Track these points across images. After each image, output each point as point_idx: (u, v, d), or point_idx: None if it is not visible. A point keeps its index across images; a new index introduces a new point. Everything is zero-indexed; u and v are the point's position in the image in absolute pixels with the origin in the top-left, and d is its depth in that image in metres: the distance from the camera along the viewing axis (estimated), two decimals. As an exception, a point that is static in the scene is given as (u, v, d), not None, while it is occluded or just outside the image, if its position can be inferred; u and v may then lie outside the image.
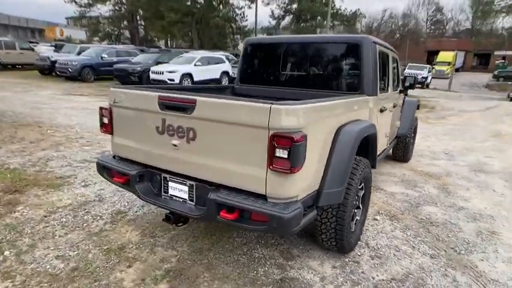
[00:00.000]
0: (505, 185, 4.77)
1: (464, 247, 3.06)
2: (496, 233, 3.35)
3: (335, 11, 34.59)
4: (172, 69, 13.98)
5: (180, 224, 2.51)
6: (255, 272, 2.59)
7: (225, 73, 15.94)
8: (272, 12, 39.69)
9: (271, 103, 1.88)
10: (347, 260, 2.78)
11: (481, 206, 3.98)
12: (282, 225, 1.89)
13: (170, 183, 2.42)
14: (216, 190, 2.14)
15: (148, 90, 2.47)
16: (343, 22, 38.74)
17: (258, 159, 1.96)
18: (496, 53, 40.24)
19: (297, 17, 38.45)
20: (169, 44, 43.86)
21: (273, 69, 3.80)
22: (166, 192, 2.46)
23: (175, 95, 2.25)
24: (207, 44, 33.80)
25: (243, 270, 2.60)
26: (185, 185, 2.34)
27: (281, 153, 1.85)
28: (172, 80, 13.90)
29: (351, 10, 38.24)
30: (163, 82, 13.93)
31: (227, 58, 17.00)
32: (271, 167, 1.91)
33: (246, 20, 37.82)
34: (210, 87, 4.18)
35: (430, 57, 46.59)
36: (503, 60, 37.41)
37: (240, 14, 36.99)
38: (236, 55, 23.52)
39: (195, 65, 14.66)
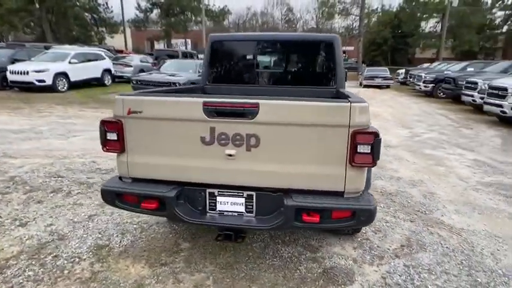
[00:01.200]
0: (410, 155, 5.97)
1: (425, 208, 3.77)
2: (434, 193, 4.23)
3: (205, 7, 34.87)
4: (41, 68, 11.64)
5: (240, 240, 2.27)
6: (298, 271, 2.59)
7: (107, 71, 14.26)
8: (138, 4, 37.13)
9: (349, 101, 1.93)
10: (359, 239, 3.06)
11: (409, 174, 4.91)
12: (370, 217, 1.99)
13: (219, 198, 2.17)
14: (287, 196, 2.05)
15: (168, 95, 2.14)
16: (213, 18, 39.47)
17: (335, 157, 1.98)
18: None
19: (165, 10, 37.02)
20: (5, 38, 35.80)
21: (246, 67, 3.71)
22: (214, 209, 2.19)
23: (229, 100, 2.01)
24: (65, 37, 29.15)
25: (286, 272, 2.57)
26: (241, 196, 2.14)
27: (364, 148, 1.92)
28: (43, 82, 11.64)
29: (219, 6, 39.26)
30: (30, 83, 11.52)
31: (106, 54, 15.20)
32: (353, 163, 1.96)
33: (112, 12, 34.35)
34: (175, 89, 3.76)
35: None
36: (344, 55, 45.34)
37: (103, 5, 33.30)
38: (110, 50, 21.21)
39: (69, 62, 12.58)
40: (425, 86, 15.15)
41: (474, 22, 36.24)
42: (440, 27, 37.55)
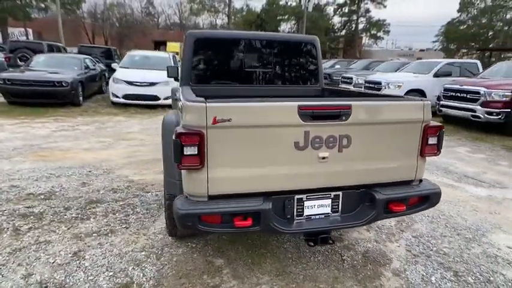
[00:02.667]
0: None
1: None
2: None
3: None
4: None
5: (331, 242, 2.23)
6: (344, 261, 2.73)
7: None
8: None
9: (422, 100, 2.17)
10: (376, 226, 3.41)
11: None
12: (439, 199, 2.30)
13: (306, 203, 2.10)
14: (373, 190, 2.16)
15: (255, 100, 1.94)
16: (65, 5, 34.10)
17: (410, 150, 2.21)
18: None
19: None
20: None
21: (231, 66, 3.52)
22: (301, 214, 2.11)
23: (325, 103, 1.97)
24: None
25: (336, 265, 2.68)
26: (328, 198, 2.13)
27: (432, 140, 2.22)
28: None
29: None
30: None
31: None
32: (424, 154, 2.23)
33: None
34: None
35: (158, 46, 50.13)
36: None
37: None
38: None
39: None
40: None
41: (322, 25, 42.62)
42: (296, 29, 42.77)
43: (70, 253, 2.68)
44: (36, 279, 2.35)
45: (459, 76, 10.12)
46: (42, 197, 3.69)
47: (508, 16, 42.18)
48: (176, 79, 4.95)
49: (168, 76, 5.06)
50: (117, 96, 9.82)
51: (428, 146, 2.25)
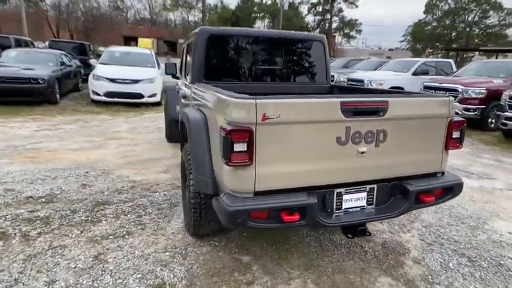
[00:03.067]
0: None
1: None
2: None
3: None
4: None
5: (368, 233, 2.28)
6: (366, 252, 2.81)
7: None
8: None
9: (448, 96, 2.28)
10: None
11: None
12: (461, 190, 2.41)
13: (345, 197, 2.14)
14: (405, 183, 2.25)
15: (300, 97, 1.96)
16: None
17: (436, 144, 2.32)
18: (179, 41, 48.28)
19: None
20: None
21: (243, 63, 3.50)
22: (340, 208, 2.15)
23: (365, 99, 2.02)
24: None
25: (360, 257, 2.75)
26: (364, 191, 2.19)
27: (456, 134, 2.33)
28: None
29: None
30: None
31: None
32: (449, 147, 2.34)
33: None
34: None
35: (128, 42, 48.58)
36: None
37: None
38: None
39: None
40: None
41: (297, 24, 43.21)
42: (271, 27, 43.00)
43: (90, 257, 2.57)
44: (61, 286, 2.24)
45: (435, 74, 10.63)
46: (43, 200, 3.51)
47: (470, 18, 44.75)
48: (174, 76, 4.85)
49: (166, 73, 4.94)
50: (98, 94, 9.43)
51: (452, 140, 2.37)
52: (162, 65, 6.64)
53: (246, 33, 3.60)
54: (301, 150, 1.97)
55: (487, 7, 42.97)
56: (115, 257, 2.59)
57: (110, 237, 2.87)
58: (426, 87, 9.03)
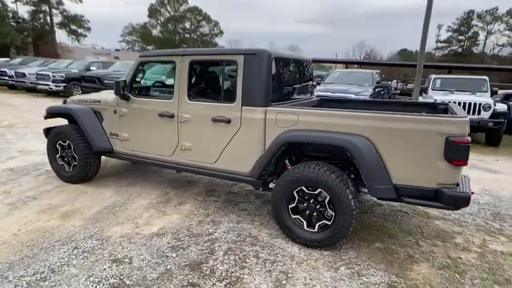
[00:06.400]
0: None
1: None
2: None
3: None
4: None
5: None
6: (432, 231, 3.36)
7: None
8: None
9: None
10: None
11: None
12: None
13: None
14: None
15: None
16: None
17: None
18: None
19: None
20: None
21: (290, 83, 3.82)
22: None
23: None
24: None
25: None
26: None
27: None
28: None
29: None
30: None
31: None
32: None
33: None
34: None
35: None
36: None
37: None
38: None
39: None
40: (56, 86, 13.38)
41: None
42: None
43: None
44: None
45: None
46: None
47: (187, 26, 51.67)
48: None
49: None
50: None
51: None
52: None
53: (290, 56, 3.76)
54: None
55: (199, 17, 51.19)
56: None
57: None
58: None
